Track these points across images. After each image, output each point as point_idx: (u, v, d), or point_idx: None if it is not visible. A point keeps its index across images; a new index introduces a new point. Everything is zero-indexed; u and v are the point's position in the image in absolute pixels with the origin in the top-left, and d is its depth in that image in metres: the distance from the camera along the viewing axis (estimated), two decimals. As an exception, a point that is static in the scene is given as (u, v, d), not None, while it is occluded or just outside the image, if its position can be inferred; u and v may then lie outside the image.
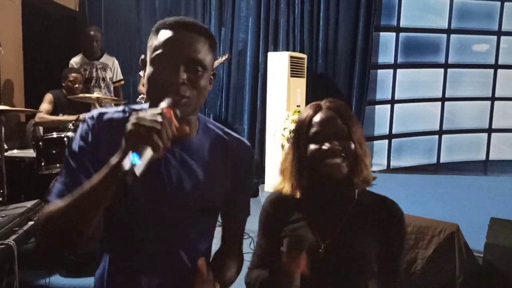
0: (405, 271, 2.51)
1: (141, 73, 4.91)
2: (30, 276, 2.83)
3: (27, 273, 2.76)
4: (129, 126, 0.82)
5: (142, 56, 1.03)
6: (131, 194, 0.98)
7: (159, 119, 0.82)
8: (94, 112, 1.04)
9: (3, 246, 1.96)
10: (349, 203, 1.26)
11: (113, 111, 1.05)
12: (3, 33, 4.21)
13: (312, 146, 1.22)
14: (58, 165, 3.26)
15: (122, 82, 4.85)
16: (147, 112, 0.84)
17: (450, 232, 2.38)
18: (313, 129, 1.22)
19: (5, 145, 3.52)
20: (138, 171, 0.78)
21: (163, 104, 0.88)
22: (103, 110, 1.05)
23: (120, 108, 1.06)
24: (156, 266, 1.04)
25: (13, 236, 2.09)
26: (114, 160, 0.83)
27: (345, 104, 1.28)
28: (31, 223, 2.35)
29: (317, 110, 1.25)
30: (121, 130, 0.85)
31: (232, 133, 1.15)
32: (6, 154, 3.50)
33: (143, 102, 4.37)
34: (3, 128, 3.49)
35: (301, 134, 1.25)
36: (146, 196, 1.00)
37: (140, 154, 0.78)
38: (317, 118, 1.23)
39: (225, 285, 1.10)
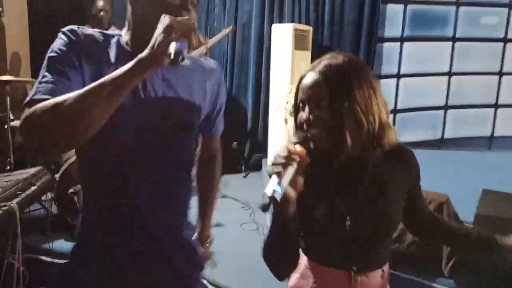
0: (395, 240, 2.56)
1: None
2: (35, 240, 2.95)
3: (31, 238, 2.88)
4: (168, 20, 0.86)
5: None
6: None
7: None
8: (72, 26, 1.04)
9: (6, 207, 2.04)
10: (364, 166, 1.14)
11: (90, 30, 1.07)
12: (8, 5, 4.24)
13: (298, 114, 1.13)
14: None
15: None
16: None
17: (439, 202, 2.42)
18: (298, 96, 1.13)
19: (11, 115, 3.62)
20: (184, 54, 0.86)
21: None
22: (80, 27, 1.06)
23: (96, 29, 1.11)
24: (144, 191, 1.07)
25: (16, 199, 2.18)
26: (144, 53, 0.86)
27: (345, 61, 1.09)
28: (33, 188, 2.44)
29: (308, 71, 1.12)
30: (97, 45, 1.02)
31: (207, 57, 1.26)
32: (12, 124, 3.60)
33: None
34: (9, 99, 3.59)
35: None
36: (128, 109, 1.00)
37: (182, 43, 0.87)
38: (303, 82, 1.11)
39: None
